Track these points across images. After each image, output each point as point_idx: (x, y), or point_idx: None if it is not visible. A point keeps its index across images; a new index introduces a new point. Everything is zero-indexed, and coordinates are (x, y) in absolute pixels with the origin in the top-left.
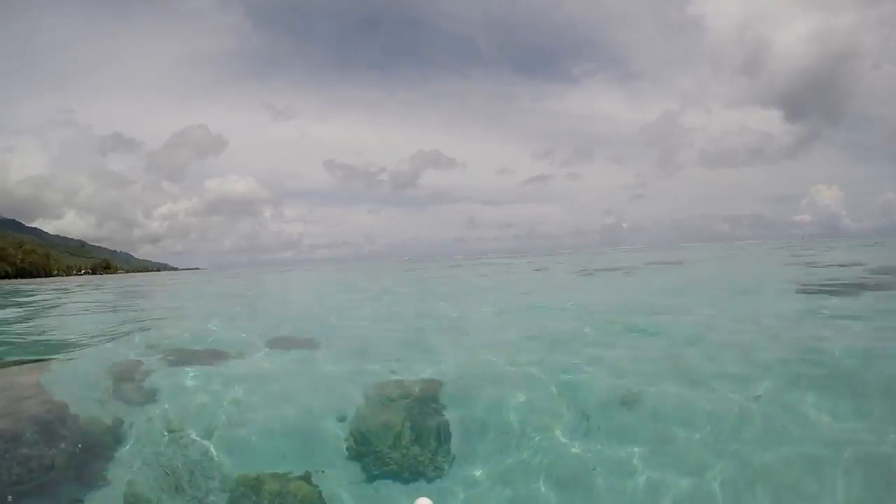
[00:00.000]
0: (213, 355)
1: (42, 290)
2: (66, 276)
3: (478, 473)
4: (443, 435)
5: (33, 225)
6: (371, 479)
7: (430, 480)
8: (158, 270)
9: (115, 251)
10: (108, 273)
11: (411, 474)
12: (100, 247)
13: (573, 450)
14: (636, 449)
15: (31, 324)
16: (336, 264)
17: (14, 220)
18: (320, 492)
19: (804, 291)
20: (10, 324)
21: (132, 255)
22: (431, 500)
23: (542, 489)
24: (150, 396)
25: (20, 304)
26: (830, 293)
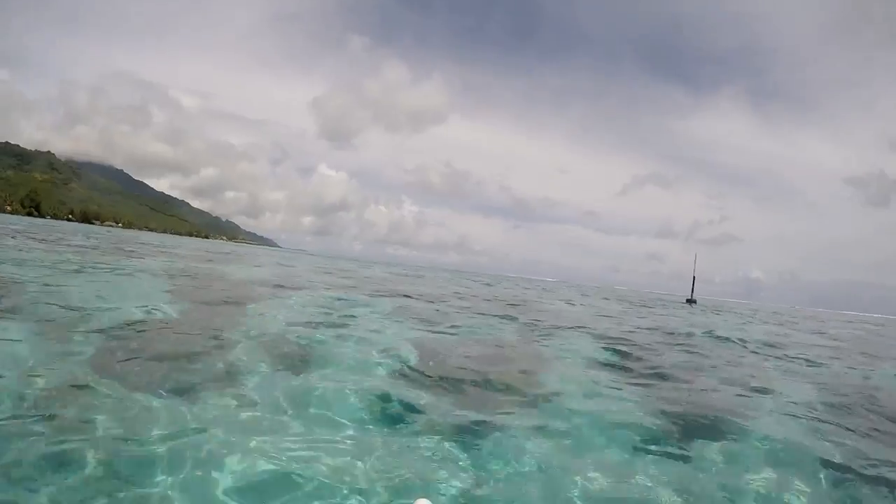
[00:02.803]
0: None
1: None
2: (163, 233)
3: None
4: None
5: (141, 179)
6: None
7: None
8: (260, 245)
9: (219, 219)
10: (205, 238)
11: None
12: (206, 213)
13: None
14: None
15: None
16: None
17: (123, 172)
18: None
19: None
20: None
21: (239, 227)
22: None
23: None
24: None
25: None
26: None
